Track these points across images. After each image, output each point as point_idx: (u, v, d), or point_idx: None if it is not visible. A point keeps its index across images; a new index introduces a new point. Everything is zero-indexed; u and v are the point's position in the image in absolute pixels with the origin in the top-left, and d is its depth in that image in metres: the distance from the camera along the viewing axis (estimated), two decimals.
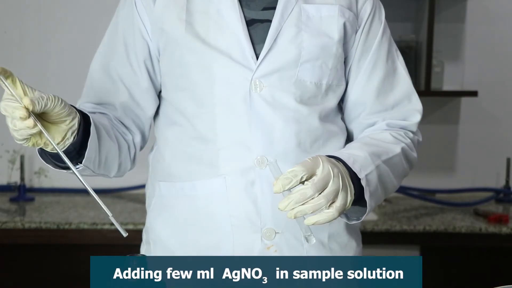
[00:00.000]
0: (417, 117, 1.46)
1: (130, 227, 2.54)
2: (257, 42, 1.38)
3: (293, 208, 1.14)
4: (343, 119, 1.49)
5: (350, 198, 1.20)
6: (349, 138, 1.49)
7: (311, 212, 1.15)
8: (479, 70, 3.05)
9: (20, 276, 2.81)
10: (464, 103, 3.07)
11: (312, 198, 1.15)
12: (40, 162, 2.99)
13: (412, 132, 1.47)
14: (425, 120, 1.53)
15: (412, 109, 1.46)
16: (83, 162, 1.25)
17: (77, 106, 1.43)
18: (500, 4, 3.05)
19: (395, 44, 1.50)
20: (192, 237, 1.41)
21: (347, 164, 1.25)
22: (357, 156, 1.29)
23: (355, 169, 1.26)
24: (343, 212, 1.22)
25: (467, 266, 2.88)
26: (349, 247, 1.46)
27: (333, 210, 1.16)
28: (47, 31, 3.00)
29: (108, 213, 1.12)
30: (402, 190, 3.02)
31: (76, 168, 1.22)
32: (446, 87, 2.97)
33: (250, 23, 1.38)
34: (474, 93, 2.93)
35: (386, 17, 1.48)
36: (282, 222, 1.38)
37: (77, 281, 2.74)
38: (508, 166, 3.01)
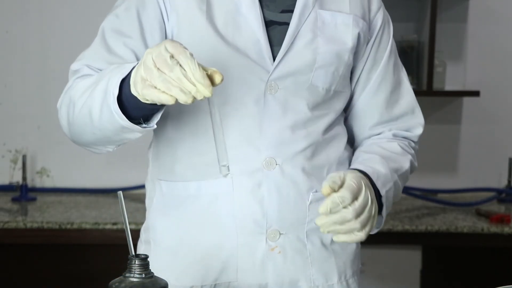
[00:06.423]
0: (420, 130, 1.53)
1: (132, 227, 2.50)
2: (274, 44, 1.37)
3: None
4: (345, 122, 1.50)
5: (374, 223, 1.29)
6: (350, 139, 1.51)
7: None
8: (481, 70, 3.04)
9: (21, 276, 2.81)
10: (466, 103, 3.07)
11: (349, 221, 1.22)
12: (42, 161, 3.04)
13: (414, 142, 1.53)
14: (427, 120, 1.54)
15: (416, 122, 1.52)
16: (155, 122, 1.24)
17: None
18: (502, 4, 3.04)
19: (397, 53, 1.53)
20: (195, 237, 1.40)
21: (371, 179, 1.32)
22: (380, 172, 1.36)
23: (378, 185, 1.34)
24: None
25: (469, 266, 2.88)
26: (350, 247, 1.47)
27: (362, 235, 1.25)
28: (49, 31, 3.00)
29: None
30: (404, 190, 3.00)
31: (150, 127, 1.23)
32: (448, 87, 2.97)
33: (268, 24, 1.37)
34: (476, 93, 2.92)
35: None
36: (286, 224, 1.38)
37: (79, 281, 2.74)
38: (510, 166, 3.01)
